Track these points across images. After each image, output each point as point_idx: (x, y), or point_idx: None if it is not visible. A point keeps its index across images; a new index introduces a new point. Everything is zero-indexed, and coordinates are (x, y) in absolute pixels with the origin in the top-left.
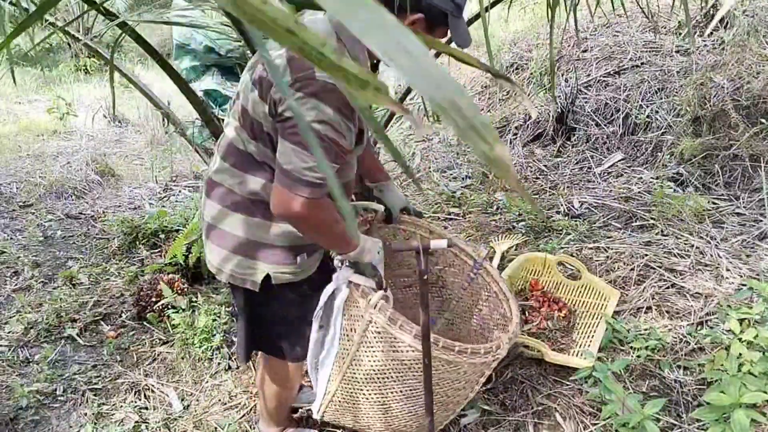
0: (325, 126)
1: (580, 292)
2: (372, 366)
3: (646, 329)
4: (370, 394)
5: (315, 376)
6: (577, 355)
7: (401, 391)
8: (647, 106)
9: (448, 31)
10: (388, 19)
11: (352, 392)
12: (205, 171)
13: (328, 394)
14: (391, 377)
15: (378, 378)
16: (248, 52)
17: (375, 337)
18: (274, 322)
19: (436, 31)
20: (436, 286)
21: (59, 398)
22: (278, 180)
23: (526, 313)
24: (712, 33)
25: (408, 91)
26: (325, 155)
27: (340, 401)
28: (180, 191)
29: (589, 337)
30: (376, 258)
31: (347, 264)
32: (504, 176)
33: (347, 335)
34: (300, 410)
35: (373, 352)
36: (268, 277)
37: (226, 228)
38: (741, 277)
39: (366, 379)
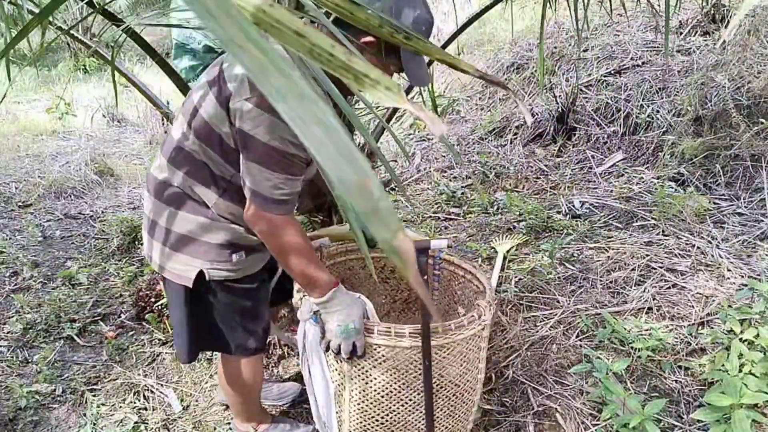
0: (284, 142)
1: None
2: (375, 386)
3: (646, 329)
4: (381, 414)
5: (329, 419)
6: None
7: (412, 399)
8: (648, 106)
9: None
10: (302, 87)
11: (365, 420)
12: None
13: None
14: (397, 388)
15: (385, 395)
16: None
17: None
18: (216, 319)
19: (387, 60)
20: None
21: (58, 399)
22: (249, 197)
23: None
24: (712, 33)
25: (410, 88)
26: (288, 170)
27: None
28: None
29: None
30: (351, 322)
31: (311, 307)
32: (402, 270)
33: (337, 369)
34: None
35: (366, 372)
36: (202, 274)
37: (164, 223)
38: (742, 277)
39: (374, 399)
